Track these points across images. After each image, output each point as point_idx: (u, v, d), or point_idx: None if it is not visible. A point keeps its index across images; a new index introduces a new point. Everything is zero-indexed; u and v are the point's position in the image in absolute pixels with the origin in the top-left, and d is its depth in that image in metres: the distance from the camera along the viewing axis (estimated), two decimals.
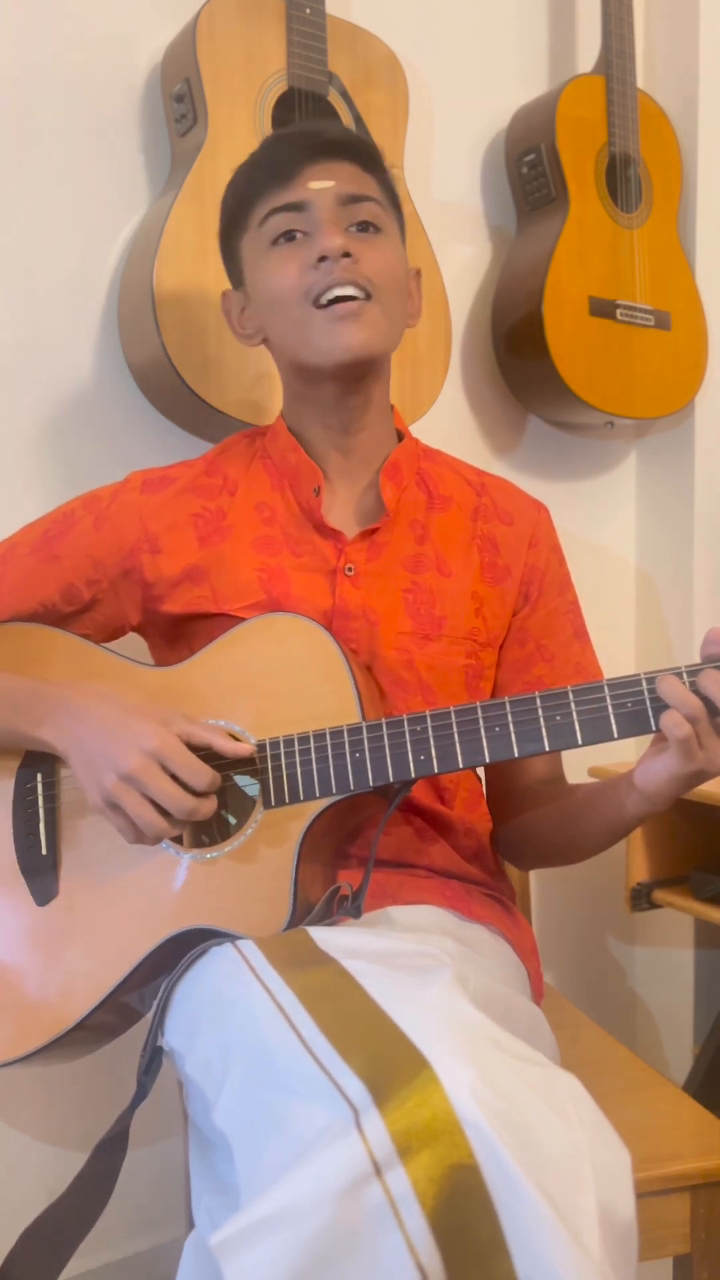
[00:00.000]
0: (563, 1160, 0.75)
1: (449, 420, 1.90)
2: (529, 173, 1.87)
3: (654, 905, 1.81)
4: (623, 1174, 0.79)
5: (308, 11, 1.58)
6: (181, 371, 1.50)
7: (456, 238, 1.92)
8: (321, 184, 1.19)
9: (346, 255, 1.16)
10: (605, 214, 1.86)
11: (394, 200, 1.27)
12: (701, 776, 1.05)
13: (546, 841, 1.31)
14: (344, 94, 1.63)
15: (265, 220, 1.20)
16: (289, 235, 1.19)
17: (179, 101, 1.57)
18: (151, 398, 1.64)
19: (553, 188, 1.84)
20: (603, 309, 1.84)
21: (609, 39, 1.87)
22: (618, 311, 1.85)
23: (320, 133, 1.22)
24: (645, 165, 1.91)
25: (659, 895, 1.80)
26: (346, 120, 1.62)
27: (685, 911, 1.77)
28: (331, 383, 1.22)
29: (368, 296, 1.18)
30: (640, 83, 1.96)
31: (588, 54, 1.98)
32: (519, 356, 1.88)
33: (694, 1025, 2.04)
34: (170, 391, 1.56)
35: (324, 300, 1.17)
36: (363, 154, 1.22)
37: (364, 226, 1.20)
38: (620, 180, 1.88)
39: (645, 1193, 1.12)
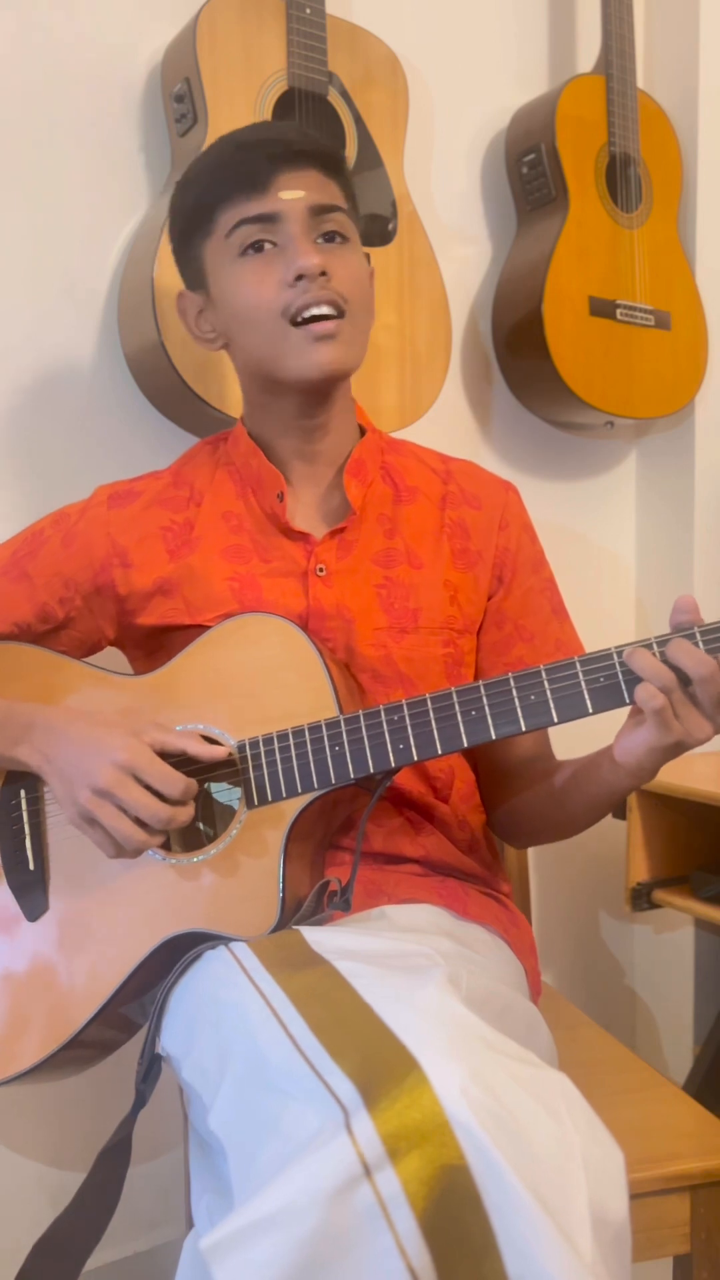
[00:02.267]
0: (554, 1160, 0.75)
1: (449, 420, 1.90)
2: (529, 173, 1.87)
3: (654, 905, 1.81)
4: (616, 1174, 0.79)
5: (308, 11, 1.58)
6: (181, 371, 1.50)
7: (456, 238, 1.92)
8: (293, 194, 1.17)
9: (323, 274, 1.16)
10: (605, 214, 1.86)
11: (354, 201, 1.26)
12: (680, 747, 1.05)
13: (538, 820, 1.31)
14: (344, 94, 1.63)
15: (234, 230, 1.18)
16: (258, 246, 1.18)
17: (179, 101, 1.57)
18: (151, 397, 1.64)
19: (553, 188, 1.84)
20: (603, 309, 1.84)
21: (609, 39, 1.87)
22: (618, 311, 1.85)
23: (289, 141, 1.19)
24: (645, 165, 1.91)
25: (659, 895, 1.80)
26: (346, 120, 1.62)
27: (685, 911, 1.77)
28: (298, 395, 1.22)
29: (341, 314, 1.17)
30: (640, 83, 1.96)
31: (588, 54, 1.98)
32: (519, 356, 1.88)
33: (694, 1025, 2.04)
34: (170, 391, 1.56)
35: (300, 319, 1.16)
36: (328, 160, 1.21)
37: (331, 236, 1.19)
38: (620, 180, 1.88)
39: (645, 1193, 1.13)
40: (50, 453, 1.62)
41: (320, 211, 1.18)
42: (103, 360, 1.64)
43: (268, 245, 1.17)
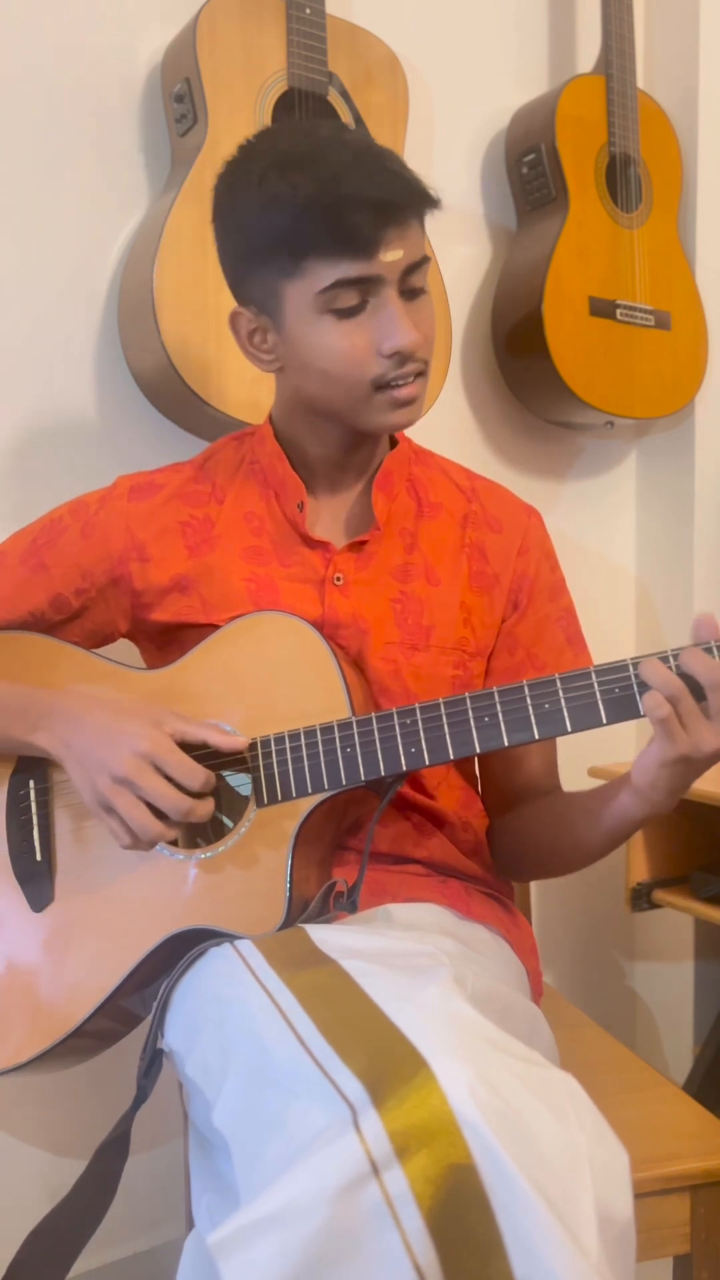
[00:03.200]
0: (560, 1160, 0.75)
1: (449, 420, 1.90)
2: (529, 173, 1.87)
3: (654, 905, 1.81)
4: (621, 1174, 0.80)
5: (308, 11, 1.58)
6: (182, 372, 1.50)
7: (456, 238, 1.92)
8: (394, 255, 1.10)
9: None
10: (605, 214, 1.86)
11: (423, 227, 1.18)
12: (689, 763, 1.03)
13: (543, 848, 1.29)
14: (344, 94, 1.63)
15: (330, 288, 1.09)
16: (355, 307, 1.11)
17: (179, 101, 1.57)
18: (152, 398, 1.64)
19: (553, 188, 1.84)
20: (603, 309, 1.84)
21: (609, 39, 1.87)
22: (618, 311, 1.85)
23: (396, 201, 1.09)
24: (645, 165, 1.91)
25: (659, 895, 1.80)
26: (346, 121, 1.62)
27: (685, 911, 1.77)
28: (355, 432, 1.20)
29: (423, 374, 1.15)
30: (640, 83, 1.96)
31: (588, 54, 1.98)
32: (519, 356, 1.88)
33: (694, 1025, 2.04)
34: (171, 392, 1.56)
35: (386, 384, 1.14)
36: (423, 204, 1.13)
37: (416, 293, 1.14)
38: (620, 180, 1.88)
39: (645, 1193, 1.12)
40: (50, 454, 1.61)
41: (413, 270, 1.13)
42: (102, 360, 1.64)
43: (361, 304, 1.11)
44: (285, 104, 1.58)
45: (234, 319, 1.20)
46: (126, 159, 1.65)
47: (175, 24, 1.60)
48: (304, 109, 1.59)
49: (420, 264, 1.14)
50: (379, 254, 1.09)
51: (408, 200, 1.11)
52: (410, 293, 1.14)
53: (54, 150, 1.59)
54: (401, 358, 1.12)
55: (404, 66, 1.70)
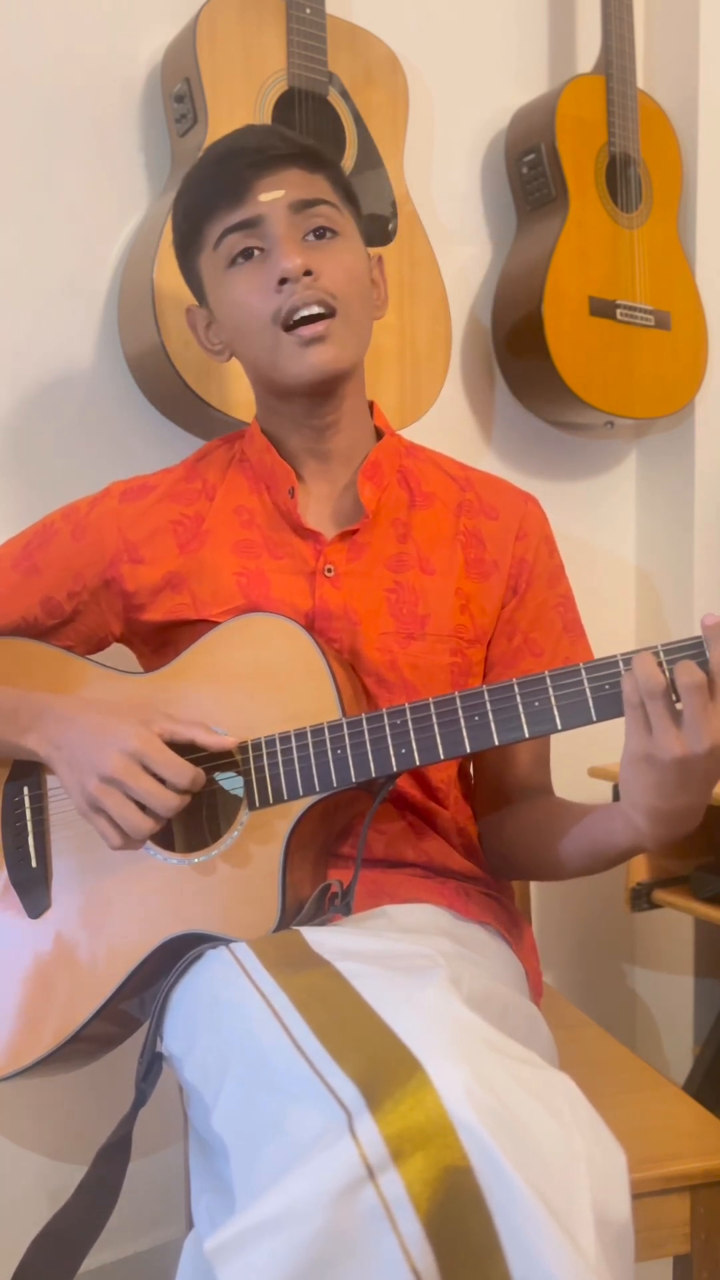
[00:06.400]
0: (557, 1161, 0.75)
1: (449, 420, 1.90)
2: (529, 173, 1.87)
3: (654, 905, 1.81)
4: (618, 1175, 0.79)
5: (308, 11, 1.58)
6: (182, 372, 1.50)
7: (456, 238, 1.92)
8: (272, 195, 1.16)
9: (307, 274, 1.15)
10: (605, 214, 1.86)
11: (348, 194, 1.24)
12: (654, 764, 0.99)
13: (530, 851, 1.27)
14: (344, 94, 1.63)
15: (220, 240, 1.18)
16: (246, 253, 1.17)
17: (179, 101, 1.57)
18: (152, 398, 1.64)
19: (553, 188, 1.84)
20: (603, 309, 1.84)
21: (609, 39, 1.87)
22: (618, 311, 1.85)
23: (264, 147, 1.17)
24: (645, 165, 1.91)
25: (659, 895, 1.80)
26: (346, 121, 1.62)
27: (685, 911, 1.77)
28: (303, 398, 1.21)
29: (332, 312, 1.16)
30: (640, 83, 1.96)
31: (588, 54, 1.98)
32: (519, 356, 1.88)
33: (694, 1025, 2.04)
34: (171, 392, 1.56)
35: (290, 322, 1.15)
36: (308, 157, 1.19)
37: (320, 233, 1.18)
38: (620, 180, 1.88)
39: (645, 1193, 1.12)
40: (51, 454, 1.61)
41: (304, 207, 1.17)
42: (103, 361, 1.64)
43: (256, 252, 1.17)
44: (285, 104, 1.58)
45: (189, 317, 1.29)
46: (127, 159, 1.65)
47: (175, 24, 1.60)
48: (304, 109, 1.59)
49: (314, 203, 1.18)
50: (254, 195, 1.16)
51: (274, 148, 1.18)
52: (317, 233, 1.18)
53: (54, 150, 1.59)
54: (291, 286, 1.15)
55: (404, 66, 1.70)
